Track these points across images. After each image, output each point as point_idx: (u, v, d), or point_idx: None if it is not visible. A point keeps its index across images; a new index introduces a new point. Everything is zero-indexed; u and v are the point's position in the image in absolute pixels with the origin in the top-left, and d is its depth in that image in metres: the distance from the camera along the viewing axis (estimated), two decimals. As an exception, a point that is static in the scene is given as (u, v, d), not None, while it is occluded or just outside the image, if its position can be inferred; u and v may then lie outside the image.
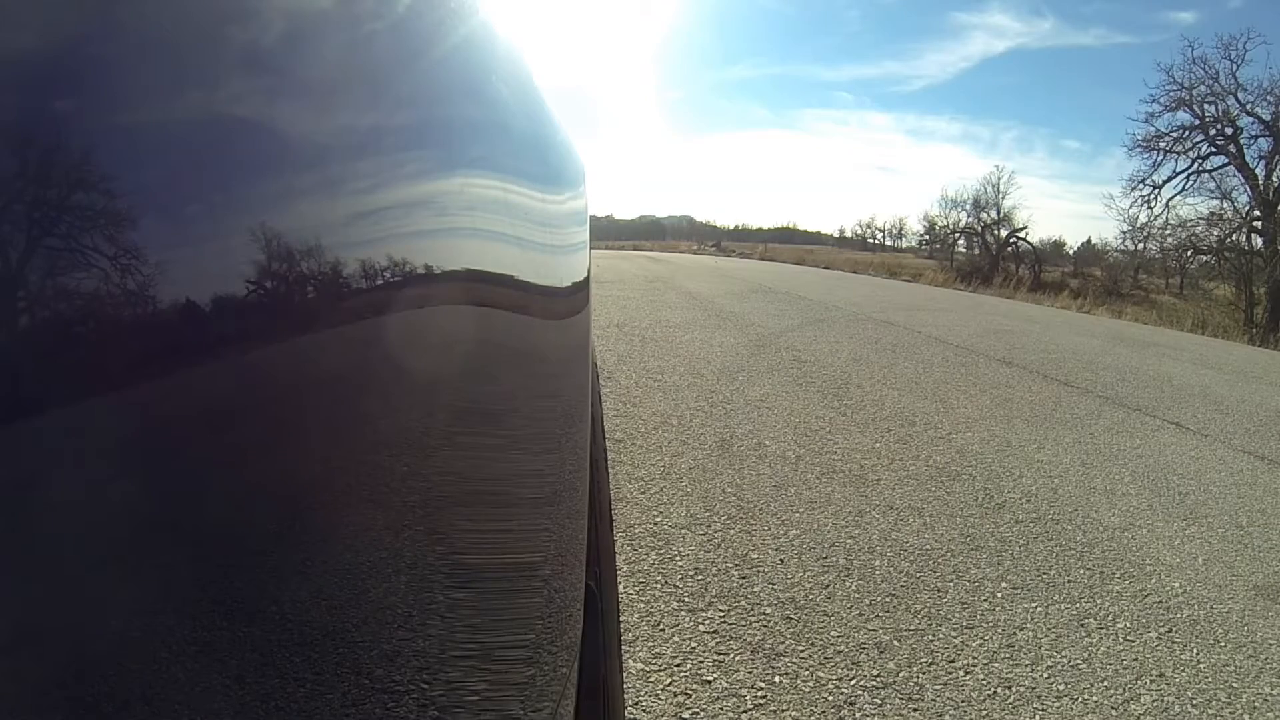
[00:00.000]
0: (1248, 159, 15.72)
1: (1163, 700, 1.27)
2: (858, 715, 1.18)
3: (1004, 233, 21.38)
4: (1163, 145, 17.03)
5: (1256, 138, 15.72)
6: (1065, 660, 1.37)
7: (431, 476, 0.28)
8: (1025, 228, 21.34)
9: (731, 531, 1.81)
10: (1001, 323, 6.96)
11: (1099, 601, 1.60)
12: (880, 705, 1.20)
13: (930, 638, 1.41)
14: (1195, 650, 1.43)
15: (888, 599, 1.55)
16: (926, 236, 27.42)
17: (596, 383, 0.96)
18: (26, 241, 0.13)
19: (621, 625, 1.34)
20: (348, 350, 0.22)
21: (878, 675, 1.28)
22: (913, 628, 1.44)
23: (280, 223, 0.19)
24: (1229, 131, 15.97)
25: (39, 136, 0.13)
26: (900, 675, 1.29)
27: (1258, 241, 15.14)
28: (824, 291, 8.96)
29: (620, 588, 1.50)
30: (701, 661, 1.28)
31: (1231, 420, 3.40)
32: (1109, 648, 1.42)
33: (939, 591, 1.60)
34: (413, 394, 0.27)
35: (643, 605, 1.45)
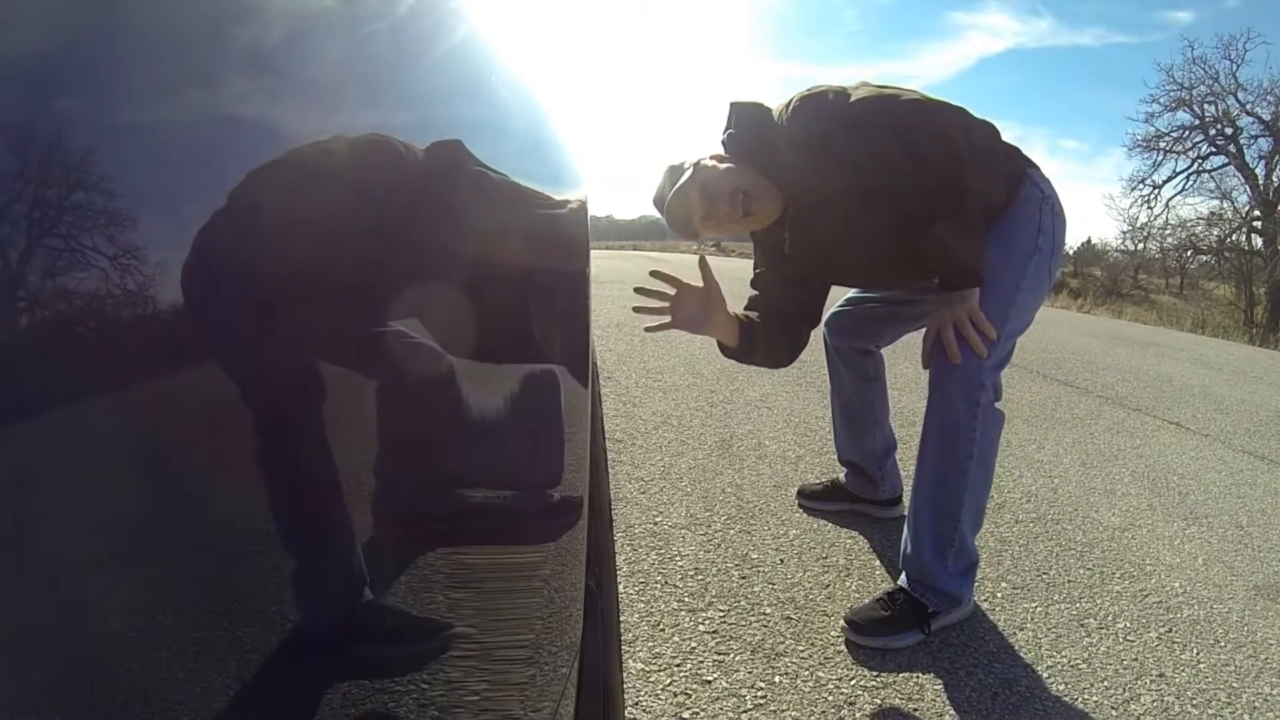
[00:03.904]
0: (1248, 159, 15.76)
1: (1163, 700, 1.27)
2: (858, 715, 1.18)
3: (1004, 233, 21.31)
4: (1163, 145, 17.07)
5: (1256, 138, 15.76)
6: (1065, 660, 1.37)
7: (432, 476, 0.28)
8: (1025, 228, 21.28)
9: (731, 531, 1.81)
10: (1001, 323, 6.94)
11: (1099, 601, 1.60)
12: (880, 705, 1.20)
13: (930, 637, 1.41)
14: (1195, 650, 1.43)
15: (888, 599, 1.54)
16: (926, 236, 27.34)
17: (596, 383, 0.96)
18: (26, 241, 0.13)
19: (621, 625, 1.34)
20: (348, 350, 0.22)
21: (878, 675, 1.28)
22: (913, 628, 1.44)
23: (280, 223, 0.19)
24: (1229, 131, 16.00)
25: (39, 136, 0.13)
26: (900, 675, 1.29)
27: (1258, 241, 15.18)
28: (824, 291, 8.94)
29: (620, 588, 1.50)
30: (701, 661, 1.28)
31: (1232, 420, 3.40)
32: (1109, 648, 1.42)
33: (939, 591, 1.60)
34: (413, 394, 0.27)
35: (643, 605, 1.45)
